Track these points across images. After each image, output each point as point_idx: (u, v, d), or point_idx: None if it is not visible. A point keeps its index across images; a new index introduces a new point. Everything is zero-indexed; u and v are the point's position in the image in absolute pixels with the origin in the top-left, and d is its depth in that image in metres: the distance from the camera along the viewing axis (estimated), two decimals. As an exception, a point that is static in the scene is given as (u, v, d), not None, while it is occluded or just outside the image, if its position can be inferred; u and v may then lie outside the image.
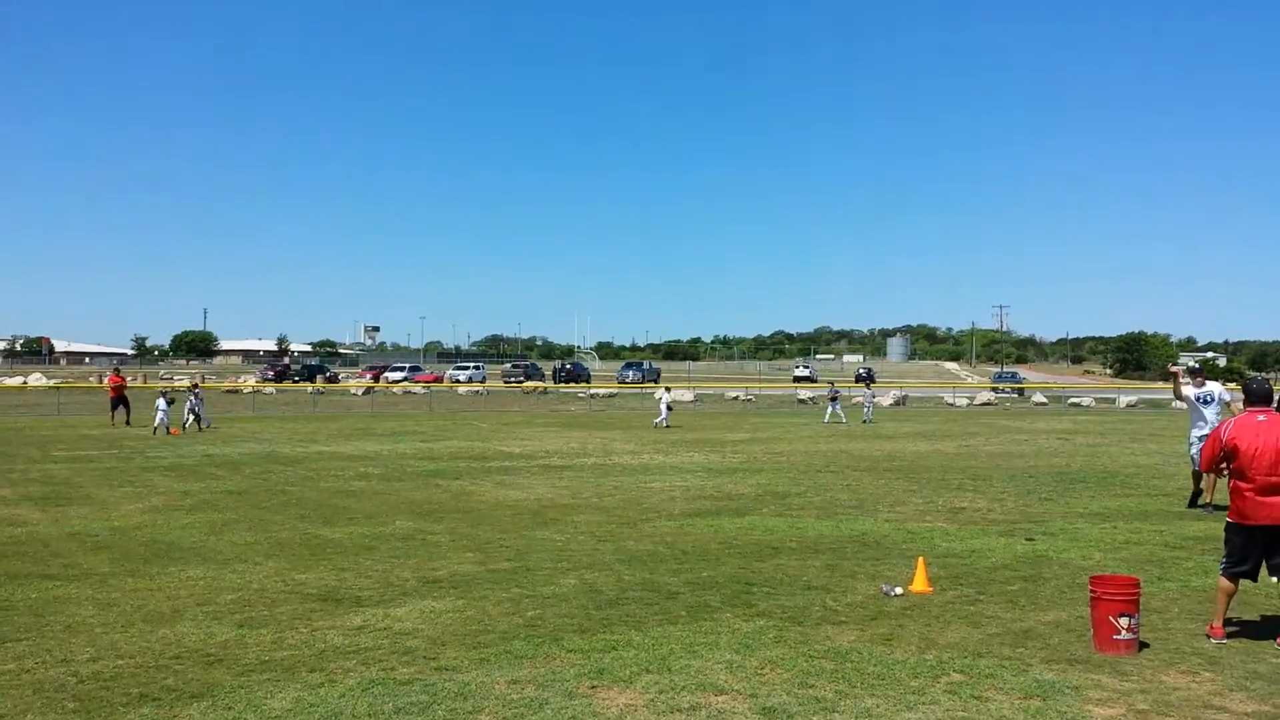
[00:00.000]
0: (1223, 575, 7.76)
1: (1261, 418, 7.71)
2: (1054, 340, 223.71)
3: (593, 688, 6.40)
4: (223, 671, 6.73)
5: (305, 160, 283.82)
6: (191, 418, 31.32)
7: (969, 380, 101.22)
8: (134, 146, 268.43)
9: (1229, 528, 7.81)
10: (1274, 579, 7.65)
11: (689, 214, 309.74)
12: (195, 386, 33.72)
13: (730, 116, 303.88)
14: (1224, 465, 7.82)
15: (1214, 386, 14.86)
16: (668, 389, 38.52)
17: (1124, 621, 7.16)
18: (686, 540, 11.96)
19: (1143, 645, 7.34)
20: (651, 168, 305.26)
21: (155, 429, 29.43)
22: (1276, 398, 8.21)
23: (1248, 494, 7.57)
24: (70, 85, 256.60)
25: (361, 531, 12.57)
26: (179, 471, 19.52)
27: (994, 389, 66.55)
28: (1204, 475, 13.92)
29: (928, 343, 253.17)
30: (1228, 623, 7.71)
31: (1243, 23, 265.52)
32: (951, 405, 57.21)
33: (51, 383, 63.33)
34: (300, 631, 7.76)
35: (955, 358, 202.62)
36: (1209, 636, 7.56)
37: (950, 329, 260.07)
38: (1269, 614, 8.32)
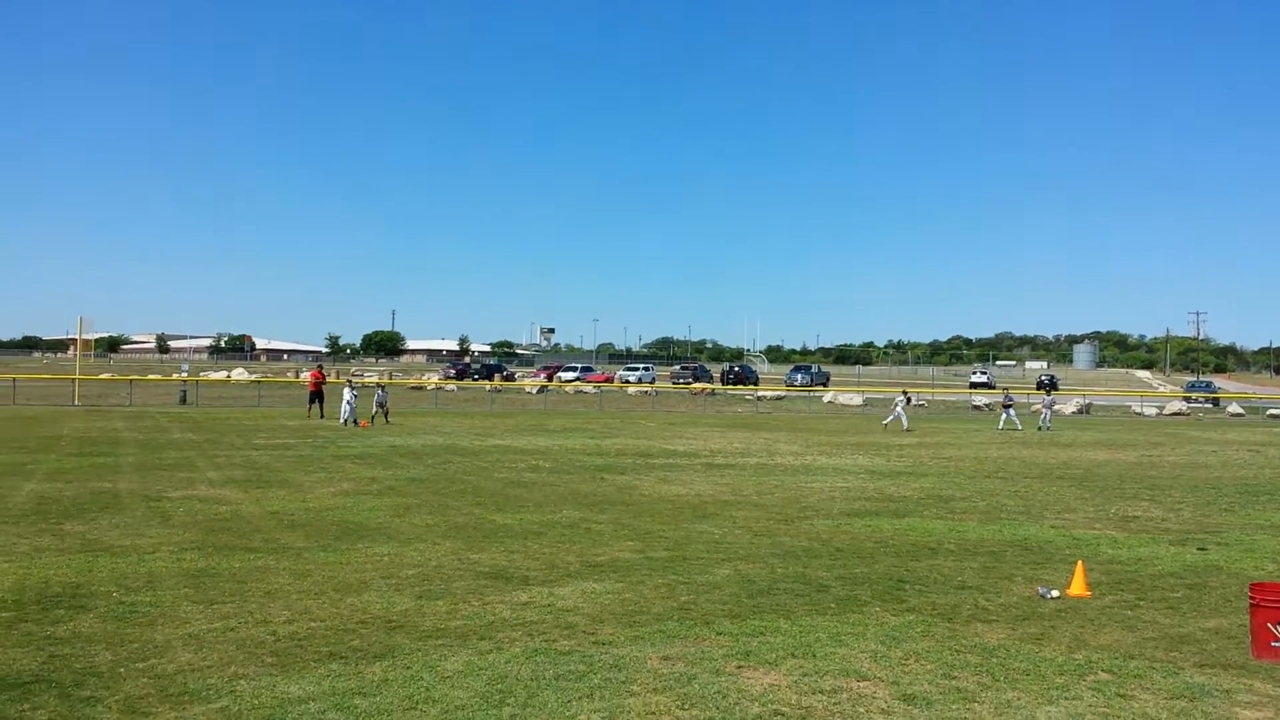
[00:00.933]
0: None
1: None
2: (1256, 349, 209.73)
3: (739, 667, 6.73)
4: (403, 636, 7.38)
5: (488, 169, 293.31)
6: (378, 410, 33.17)
7: (1161, 389, 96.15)
8: (332, 157, 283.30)
9: None
10: None
11: (866, 216, 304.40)
12: (380, 385, 35.50)
13: (904, 115, 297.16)
14: None
15: None
16: (905, 393, 39.43)
17: (1285, 630, 7.01)
18: (842, 538, 12.13)
19: (1307, 655, 7.15)
20: (826, 169, 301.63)
21: (345, 420, 31.37)
22: None
23: None
24: (276, 93, 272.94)
25: (531, 518, 13.25)
26: (367, 460, 20.83)
27: (1186, 398, 63.13)
28: None
29: (1118, 350, 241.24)
30: None
31: None
32: (1139, 415, 54.63)
33: (252, 377, 67.68)
34: (472, 604, 8.38)
35: (1148, 366, 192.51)
36: None
37: (1143, 336, 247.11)
38: None
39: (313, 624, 7.72)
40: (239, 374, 73.64)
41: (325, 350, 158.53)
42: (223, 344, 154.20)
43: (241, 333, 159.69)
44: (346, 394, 32.24)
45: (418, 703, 5.93)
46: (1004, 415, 38.32)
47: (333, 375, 67.14)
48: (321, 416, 34.49)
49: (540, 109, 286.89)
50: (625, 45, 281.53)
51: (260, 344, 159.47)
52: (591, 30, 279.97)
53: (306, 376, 45.63)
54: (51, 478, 16.62)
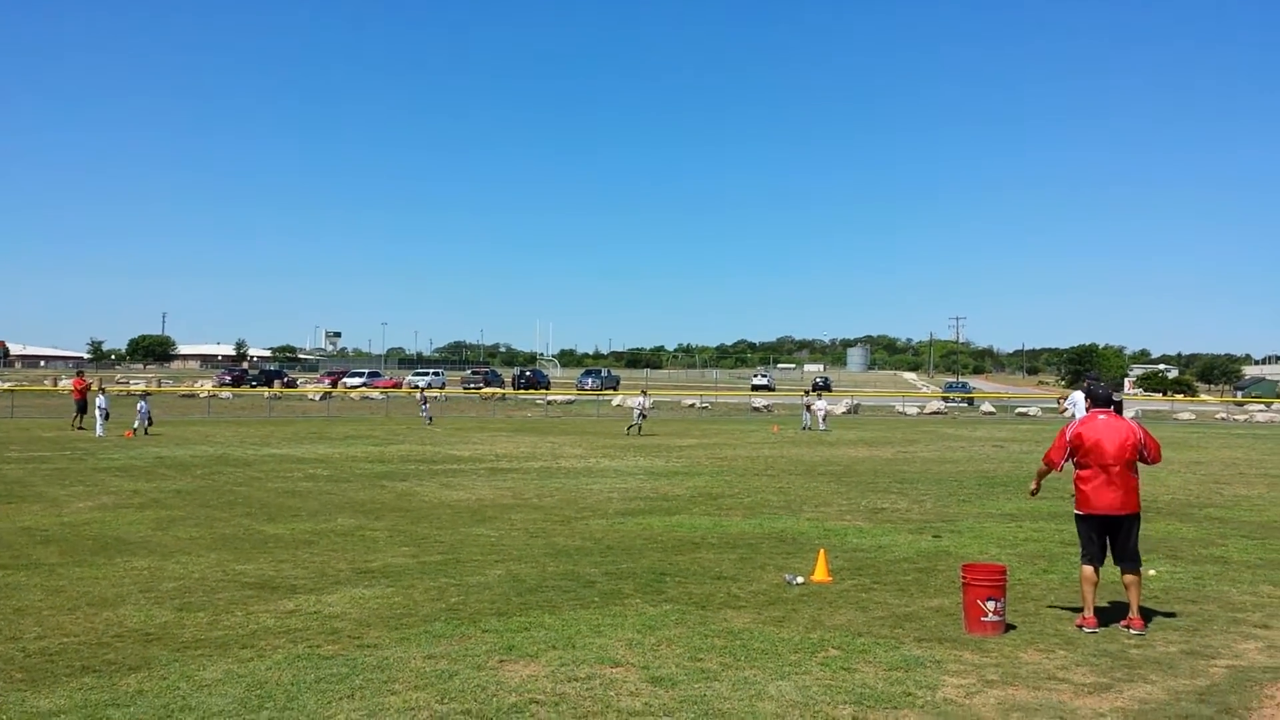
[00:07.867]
0: (1083, 564, 8.47)
1: (1103, 417, 8.49)
2: (1011, 351, 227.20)
3: (501, 661, 7.03)
4: (160, 648, 7.29)
5: (267, 164, 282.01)
6: (145, 422, 31.74)
7: (924, 390, 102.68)
8: (90, 147, 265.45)
9: (1075, 518, 8.62)
10: (1117, 566, 8.38)
11: (658, 222, 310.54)
12: (102, 390, 33.63)
13: (702, 125, 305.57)
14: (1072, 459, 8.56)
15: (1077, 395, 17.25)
16: (819, 395, 41.53)
17: (990, 605, 7.89)
18: (614, 536, 12.61)
19: (1009, 627, 8.07)
20: (620, 175, 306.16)
21: (135, 428, 30.47)
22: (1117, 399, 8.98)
23: (1087, 486, 8.33)
24: (27, 86, 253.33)
25: (303, 528, 13.11)
26: (130, 472, 19.90)
27: (944, 398, 67.70)
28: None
29: (887, 353, 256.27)
30: (1097, 611, 8.35)
31: (1199, 36, 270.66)
32: (902, 414, 58.21)
33: (5, 385, 62.81)
34: (235, 615, 8.33)
35: (915, 368, 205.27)
36: (1080, 628, 8.16)
37: (910, 339, 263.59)
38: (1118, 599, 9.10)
39: (65, 639, 7.50)
40: (-12, 382, 68.14)
41: (88, 356, 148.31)
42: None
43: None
44: (101, 401, 31.04)
45: (174, 711, 5.93)
46: (806, 416, 40.90)
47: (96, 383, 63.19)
48: (82, 428, 32.58)
49: (325, 106, 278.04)
50: (415, 44, 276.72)
51: (15, 349, 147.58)
52: (393, 21, 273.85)
53: (68, 384, 42.87)
54: None
